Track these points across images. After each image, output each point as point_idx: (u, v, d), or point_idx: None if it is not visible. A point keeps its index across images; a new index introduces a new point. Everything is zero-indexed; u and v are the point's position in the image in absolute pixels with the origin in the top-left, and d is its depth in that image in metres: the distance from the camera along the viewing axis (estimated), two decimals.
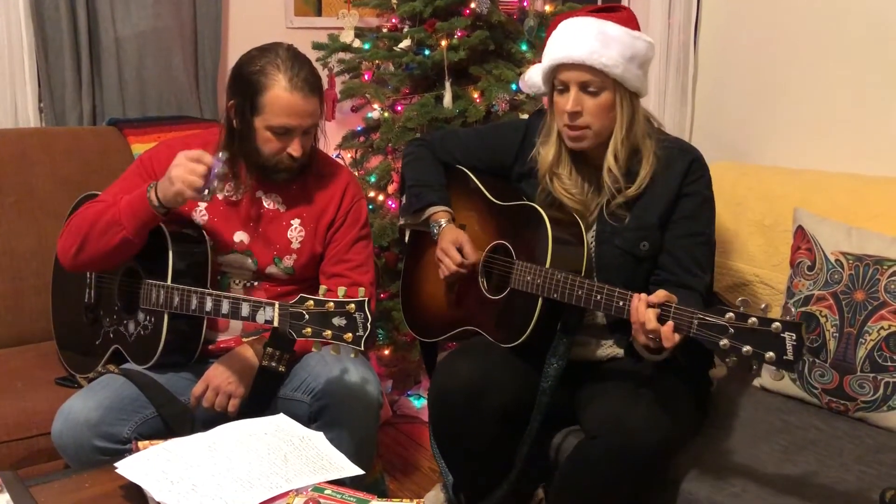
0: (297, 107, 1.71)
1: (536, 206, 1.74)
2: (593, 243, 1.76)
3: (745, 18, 2.45)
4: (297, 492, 1.32)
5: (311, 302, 1.52)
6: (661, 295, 1.47)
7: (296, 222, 1.87)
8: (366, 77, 2.67)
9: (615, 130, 1.69)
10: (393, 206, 2.60)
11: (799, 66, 2.32)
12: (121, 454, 1.52)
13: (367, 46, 2.68)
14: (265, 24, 2.93)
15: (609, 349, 1.80)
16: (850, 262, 1.84)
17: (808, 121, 2.31)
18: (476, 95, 2.50)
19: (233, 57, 2.82)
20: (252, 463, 1.38)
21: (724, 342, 1.36)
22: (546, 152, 1.76)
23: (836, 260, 1.86)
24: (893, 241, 1.82)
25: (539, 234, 1.70)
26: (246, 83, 1.73)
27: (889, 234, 1.84)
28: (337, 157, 2.72)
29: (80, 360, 1.96)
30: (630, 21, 1.71)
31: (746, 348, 1.33)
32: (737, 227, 2.16)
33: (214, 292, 1.68)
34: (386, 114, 2.61)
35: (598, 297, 1.56)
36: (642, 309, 1.46)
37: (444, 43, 2.47)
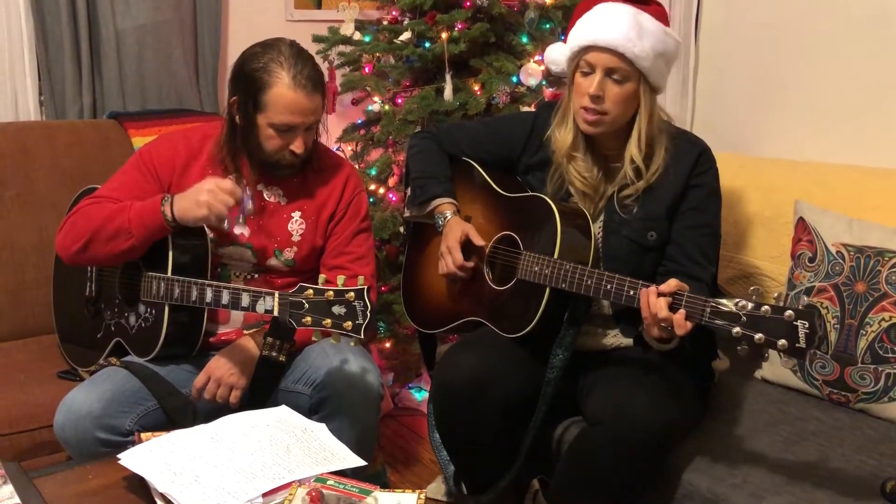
0: (300, 105, 1.71)
1: (545, 198, 1.75)
2: (601, 233, 1.76)
3: (746, 10, 2.45)
4: (300, 482, 1.32)
5: (311, 291, 1.52)
6: (672, 284, 1.47)
7: (296, 215, 1.87)
8: (366, 70, 2.66)
9: (639, 122, 1.70)
10: (394, 199, 2.60)
11: (799, 58, 2.32)
12: (123, 446, 1.52)
13: (367, 39, 2.67)
14: (265, 16, 2.92)
15: (614, 338, 1.80)
16: (851, 253, 1.84)
17: (808, 113, 2.31)
18: (477, 88, 2.50)
19: (233, 50, 2.84)
20: (254, 454, 1.39)
21: (736, 330, 1.36)
22: (564, 136, 1.76)
23: (837, 251, 1.86)
24: (894, 232, 1.82)
25: (547, 225, 1.70)
26: (249, 80, 1.72)
27: (890, 226, 1.84)
28: (337, 150, 2.72)
29: (81, 353, 1.97)
30: (663, 17, 1.72)
31: (759, 336, 1.34)
32: (738, 219, 2.16)
33: (214, 283, 1.68)
34: (386, 106, 2.60)
35: (609, 287, 1.56)
36: (653, 300, 1.46)
37: (444, 35, 2.47)
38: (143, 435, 1.47)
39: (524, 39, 2.56)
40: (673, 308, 1.45)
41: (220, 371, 1.73)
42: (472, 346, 1.76)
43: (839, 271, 1.85)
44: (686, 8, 2.56)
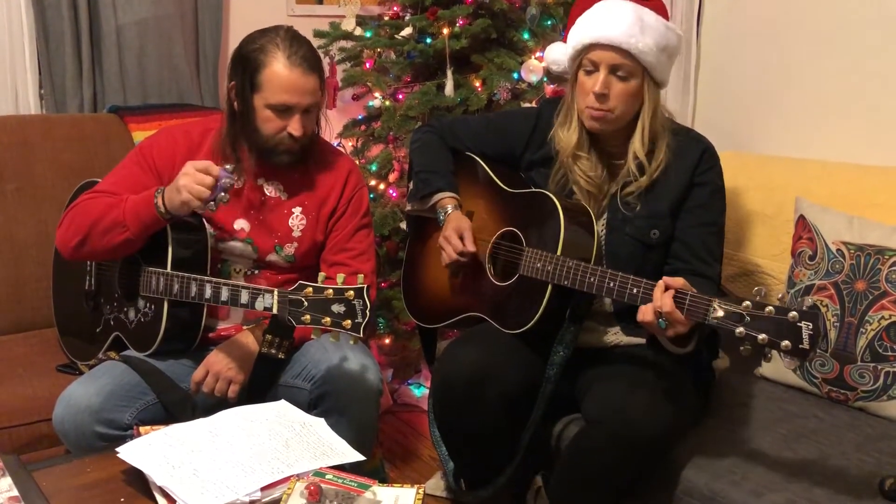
0: (296, 83, 1.71)
1: (549, 194, 1.74)
2: (604, 231, 1.76)
3: (747, 8, 2.44)
4: (299, 477, 1.32)
5: (310, 289, 1.52)
6: (679, 281, 1.46)
7: (297, 210, 1.86)
8: (367, 65, 2.66)
9: (642, 117, 1.70)
10: (394, 194, 2.60)
11: (801, 56, 2.32)
12: (121, 440, 1.52)
13: (368, 34, 2.67)
14: (266, 11, 2.92)
15: (614, 336, 1.80)
16: (852, 251, 1.84)
17: (810, 110, 2.31)
18: (478, 84, 2.50)
19: (234, 44, 2.77)
20: (253, 448, 1.38)
21: (739, 330, 1.36)
22: (569, 136, 1.75)
23: (838, 249, 1.86)
24: (894, 230, 1.82)
25: (550, 222, 1.70)
26: (245, 61, 1.73)
27: (890, 224, 1.84)
28: (338, 145, 2.72)
29: (80, 347, 1.97)
30: (663, 11, 1.72)
31: (762, 336, 1.33)
32: (738, 217, 2.16)
33: (214, 279, 1.68)
34: (387, 102, 2.60)
35: (612, 284, 1.56)
36: (658, 294, 1.46)
37: (445, 31, 2.46)
38: (141, 429, 1.47)
39: (525, 36, 2.56)
40: (677, 306, 1.44)
41: (219, 365, 1.73)
42: (473, 342, 1.76)
43: (839, 269, 1.85)
44: (688, 4, 2.55)
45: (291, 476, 1.32)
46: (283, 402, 1.57)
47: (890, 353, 1.75)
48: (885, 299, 1.77)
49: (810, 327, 1.30)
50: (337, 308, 1.50)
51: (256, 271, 1.87)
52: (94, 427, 1.62)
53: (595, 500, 1.62)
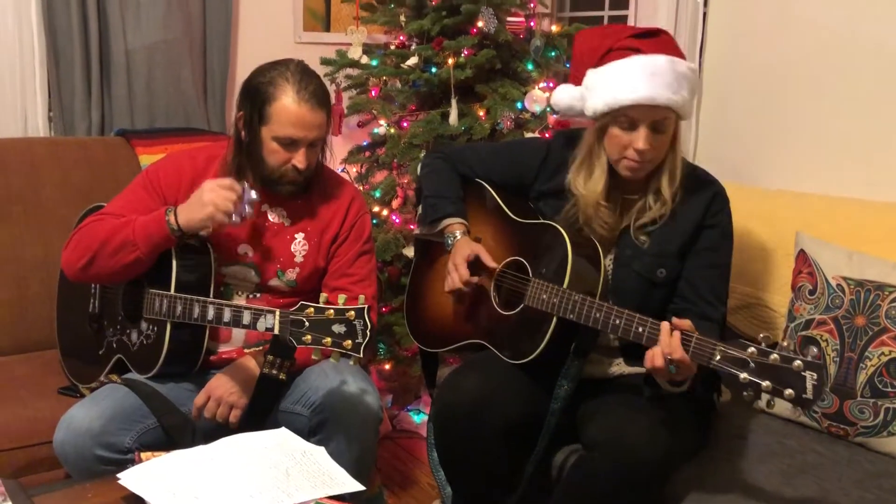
0: (303, 118, 1.73)
1: (558, 227, 1.74)
2: (611, 266, 1.77)
3: (750, 41, 2.47)
4: None
5: (312, 309, 1.53)
6: (686, 324, 1.47)
7: (300, 236, 1.88)
8: (373, 93, 2.69)
9: (671, 158, 1.70)
10: (397, 220, 2.62)
11: (803, 90, 2.34)
12: (121, 464, 1.53)
13: (374, 63, 2.70)
14: (274, 38, 2.96)
15: (617, 367, 1.80)
16: (852, 287, 1.85)
17: (811, 145, 2.33)
18: (481, 113, 2.52)
19: (241, 70, 2.87)
20: (254, 476, 1.39)
21: (743, 376, 1.35)
22: (592, 186, 1.73)
23: (838, 284, 1.87)
24: (895, 266, 1.83)
25: (558, 254, 1.70)
26: (255, 93, 1.75)
27: (891, 260, 1.84)
28: (342, 171, 2.74)
29: (82, 370, 1.97)
30: (678, 50, 1.69)
31: (766, 384, 1.33)
32: (739, 250, 2.16)
33: (216, 301, 1.69)
34: (392, 130, 2.63)
35: (617, 322, 1.56)
36: (665, 339, 1.46)
37: (450, 61, 2.49)
38: (142, 454, 1.47)
39: (529, 66, 2.59)
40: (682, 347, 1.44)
41: (221, 390, 1.73)
42: (475, 370, 1.76)
43: (839, 304, 1.86)
44: (690, 39, 2.58)
45: None
46: (283, 430, 1.57)
47: (890, 390, 1.75)
48: (885, 335, 1.78)
49: (814, 377, 1.29)
50: (338, 328, 1.51)
51: (258, 295, 1.88)
52: (95, 450, 1.62)
53: None
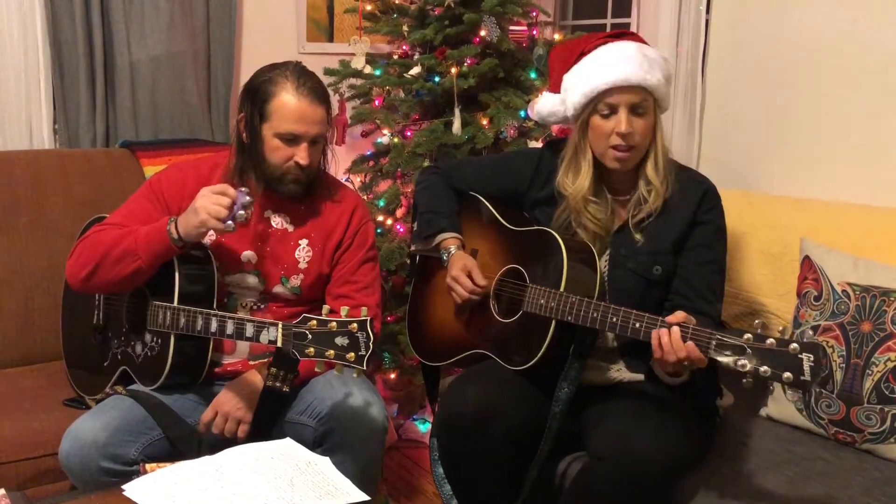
0: (304, 113, 1.75)
1: (552, 231, 1.76)
2: (607, 267, 1.78)
3: (753, 48, 2.47)
4: None
5: (314, 322, 1.53)
6: (680, 315, 1.49)
7: (303, 242, 1.88)
8: (376, 103, 2.70)
9: (655, 145, 1.74)
10: (401, 230, 2.62)
11: (807, 96, 2.34)
12: (127, 475, 1.53)
13: (377, 73, 2.71)
14: (277, 49, 2.96)
15: (618, 373, 1.80)
16: (857, 293, 1.84)
17: (815, 150, 2.32)
18: (485, 122, 2.53)
19: (245, 81, 2.88)
20: (259, 487, 1.38)
21: (741, 362, 1.37)
22: (579, 182, 1.77)
23: (843, 290, 1.86)
24: None
25: (554, 259, 1.71)
26: (255, 92, 1.78)
27: None
28: (346, 180, 2.75)
29: (88, 381, 1.98)
30: (646, 44, 1.78)
31: (764, 368, 1.35)
32: (744, 256, 2.16)
33: (219, 313, 1.69)
34: (395, 139, 2.63)
35: (615, 319, 1.57)
36: (665, 339, 1.47)
37: (453, 70, 2.50)
38: (148, 466, 1.47)
39: (532, 75, 2.60)
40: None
41: (228, 406, 1.73)
42: (477, 379, 1.77)
43: (845, 310, 1.85)
44: (693, 46, 2.59)
45: None
46: (288, 440, 1.57)
47: None
48: (890, 341, 1.77)
49: (811, 359, 1.31)
50: (340, 340, 1.51)
51: (263, 305, 1.88)
52: (100, 462, 1.62)
53: None
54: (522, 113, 2.52)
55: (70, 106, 2.57)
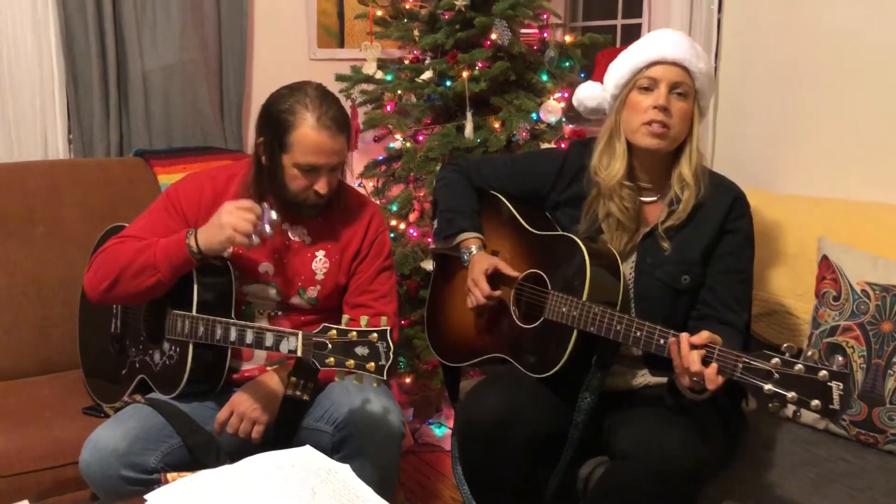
0: (324, 146, 1.73)
1: (575, 238, 1.74)
2: (632, 275, 1.76)
3: (766, 46, 2.46)
4: None
5: (334, 331, 1.53)
6: (704, 336, 1.45)
7: (320, 254, 1.88)
8: (388, 108, 2.70)
9: (692, 139, 1.73)
10: (415, 234, 2.62)
11: (821, 94, 2.32)
12: (147, 484, 1.53)
13: (389, 78, 2.71)
14: (289, 56, 2.98)
15: (642, 378, 1.79)
16: (877, 292, 1.83)
17: (831, 149, 2.31)
18: (497, 125, 2.52)
19: (257, 88, 2.90)
20: (280, 495, 1.38)
21: (768, 387, 1.34)
22: (613, 164, 1.75)
23: (862, 290, 1.85)
24: None
25: (576, 266, 1.70)
26: (275, 121, 1.75)
27: None
28: (359, 185, 2.75)
29: (106, 390, 1.98)
30: None
31: (791, 394, 1.31)
32: (761, 257, 2.14)
33: (239, 322, 1.70)
34: (408, 144, 2.63)
35: (638, 334, 1.55)
36: (685, 351, 1.45)
37: (465, 74, 2.50)
38: (169, 475, 1.47)
39: (544, 77, 2.59)
40: (705, 361, 1.43)
41: (243, 406, 1.73)
42: (498, 385, 1.76)
43: (864, 310, 1.83)
44: (705, 45, 2.57)
45: None
46: (308, 448, 1.57)
47: None
48: None
49: (841, 387, 1.27)
50: (361, 350, 1.51)
51: (280, 313, 1.88)
52: (121, 471, 1.63)
53: None
54: (535, 116, 2.51)
55: (84, 116, 2.58)
